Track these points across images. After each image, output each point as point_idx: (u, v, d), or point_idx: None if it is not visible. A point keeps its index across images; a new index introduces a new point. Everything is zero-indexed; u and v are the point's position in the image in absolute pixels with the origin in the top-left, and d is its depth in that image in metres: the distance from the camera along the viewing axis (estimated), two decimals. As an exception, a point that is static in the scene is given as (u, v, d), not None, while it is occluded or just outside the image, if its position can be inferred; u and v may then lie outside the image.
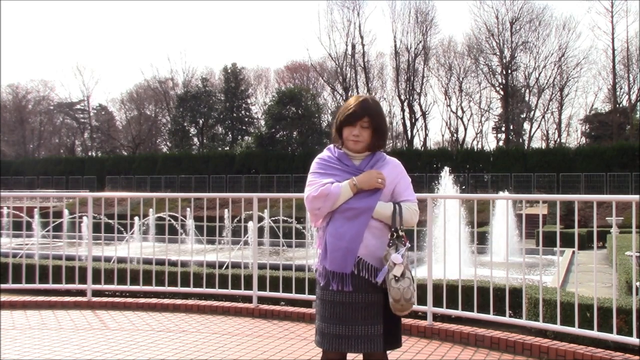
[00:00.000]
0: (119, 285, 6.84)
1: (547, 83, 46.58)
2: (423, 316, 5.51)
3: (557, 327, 4.68)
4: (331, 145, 2.95)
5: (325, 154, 2.91)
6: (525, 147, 43.61)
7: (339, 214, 2.74)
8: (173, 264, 7.60)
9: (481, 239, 12.04)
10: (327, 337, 2.72)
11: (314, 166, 2.89)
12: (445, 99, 49.11)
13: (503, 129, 48.84)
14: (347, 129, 2.81)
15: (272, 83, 56.85)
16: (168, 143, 56.45)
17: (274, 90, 50.38)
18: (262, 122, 48.58)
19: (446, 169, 20.11)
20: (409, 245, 2.83)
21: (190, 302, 6.44)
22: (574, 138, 50.26)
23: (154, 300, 6.38)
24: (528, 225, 13.86)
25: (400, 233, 2.79)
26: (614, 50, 44.16)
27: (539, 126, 48.78)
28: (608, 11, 43.84)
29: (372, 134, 2.81)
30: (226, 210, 13.90)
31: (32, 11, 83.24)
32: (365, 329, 2.70)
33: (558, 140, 48.17)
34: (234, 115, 52.02)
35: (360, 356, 2.84)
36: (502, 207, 13.35)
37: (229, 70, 52.14)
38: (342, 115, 2.82)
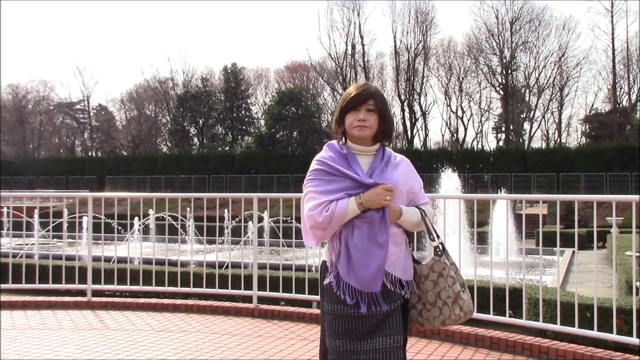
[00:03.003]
0: (119, 285, 6.83)
1: (547, 83, 46.62)
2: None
3: (557, 327, 4.68)
4: (333, 142, 2.60)
5: (326, 154, 2.56)
6: (525, 147, 43.60)
7: (361, 221, 2.41)
8: (173, 264, 7.59)
9: (481, 239, 12.04)
10: (344, 354, 2.40)
11: (312, 172, 2.53)
12: (445, 99, 49.16)
13: (503, 129, 48.84)
14: (351, 115, 2.49)
15: (272, 83, 56.87)
16: (168, 143, 56.45)
17: (274, 90, 50.41)
18: (262, 122, 48.58)
19: (448, 171, 20.09)
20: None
21: (190, 302, 6.44)
22: (574, 138, 50.34)
23: (154, 300, 6.39)
24: (528, 225, 13.87)
25: (439, 239, 2.56)
26: (614, 50, 44.21)
27: (539, 126, 48.85)
28: (608, 11, 43.88)
29: (380, 120, 2.50)
30: (226, 210, 13.89)
31: (32, 11, 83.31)
32: (384, 340, 2.41)
33: (558, 140, 48.19)
34: (234, 115, 52.02)
35: None
36: (502, 207, 13.35)
37: (229, 70, 52.15)
38: (344, 101, 2.52)
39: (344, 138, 2.57)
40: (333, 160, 2.51)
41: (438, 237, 2.56)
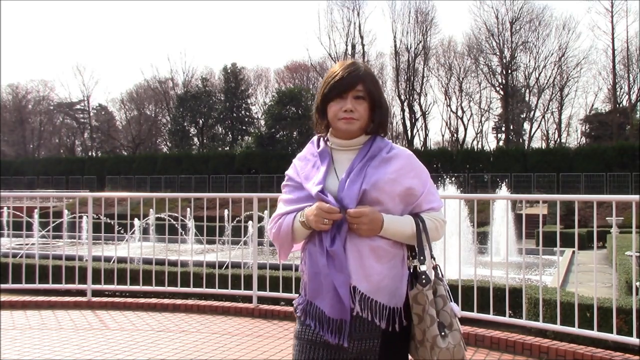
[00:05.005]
0: (119, 285, 6.83)
1: (547, 83, 46.68)
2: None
3: (557, 327, 4.68)
4: (315, 138, 2.16)
5: (303, 152, 2.14)
6: (525, 147, 43.64)
7: (325, 234, 1.92)
8: (173, 264, 7.59)
9: (481, 239, 12.03)
10: None
11: (286, 175, 2.12)
12: (445, 99, 49.22)
13: (503, 129, 48.87)
14: (335, 104, 1.98)
15: (272, 83, 56.97)
16: (168, 143, 56.49)
17: (274, 90, 50.49)
18: (262, 122, 48.64)
19: (446, 178, 20.15)
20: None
21: (190, 302, 6.44)
22: (574, 138, 50.42)
23: (154, 300, 6.39)
24: (528, 225, 13.86)
25: (434, 262, 1.99)
26: (614, 50, 44.24)
27: (539, 126, 48.91)
28: (608, 11, 43.94)
29: (371, 108, 1.99)
30: (226, 210, 13.89)
31: (32, 11, 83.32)
32: None
33: (558, 140, 48.23)
34: (234, 115, 52.07)
35: None
36: (502, 207, 13.33)
37: (229, 70, 52.20)
38: (327, 86, 1.99)
39: (326, 129, 2.09)
40: (304, 161, 2.09)
41: (433, 258, 2.00)
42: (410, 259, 2.01)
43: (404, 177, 1.96)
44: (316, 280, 1.91)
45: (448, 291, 1.99)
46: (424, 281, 1.91)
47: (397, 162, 1.98)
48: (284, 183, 2.11)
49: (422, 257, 1.96)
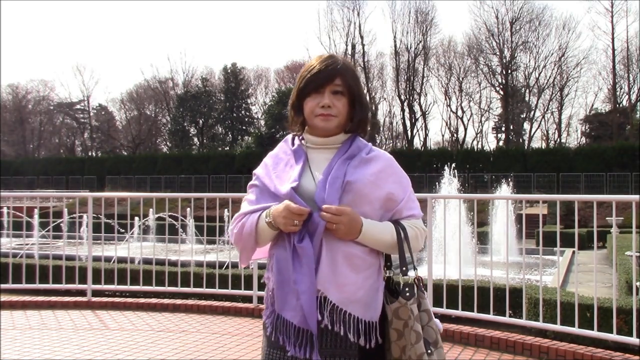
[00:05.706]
0: (119, 285, 6.83)
1: (547, 83, 46.69)
2: (423, 316, 5.49)
3: (557, 327, 4.68)
4: (289, 136, 2.00)
5: (277, 150, 2.00)
6: (525, 147, 43.64)
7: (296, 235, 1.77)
8: (173, 264, 7.59)
9: (481, 239, 12.03)
10: None
11: (255, 172, 1.97)
12: (445, 99, 49.23)
13: (503, 129, 48.88)
14: (311, 99, 1.84)
15: (272, 83, 56.94)
16: (168, 143, 56.50)
17: (274, 90, 50.51)
18: (262, 122, 48.66)
19: (446, 170, 20.12)
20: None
21: (190, 302, 6.44)
22: (574, 138, 50.42)
23: (154, 300, 6.39)
24: (528, 225, 13.84)
25: (416, 273, 1.85)
26: (614, 50, 44.26)
27: (539, 126, 48.92)
28: (608, 11, 43.97)
29: (350, 104, 1.86)
30: (226, 210, 13.90)
31: (32, 11, 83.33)
32: None
33: (558, 140, 48.24)
34: (234, 115, 52.09)
35: None
36: (502, 206, 13.33)
37: (229, 70, 52.25)
38: (303, 80, 1.86)
39: (301, 126, 1.93)
40: (275, 160, 1.94)
41: (415, 269, 1.87)
42: (385, 269, 1.86)
43: (384, 182, 1.84)
44: (283, 289, 1.76)
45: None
46: (407, 294, 1.78)
47: (377, 164, 1.85)
48: (250, 182, 1.96)
49: (404, 268, 1.82)
